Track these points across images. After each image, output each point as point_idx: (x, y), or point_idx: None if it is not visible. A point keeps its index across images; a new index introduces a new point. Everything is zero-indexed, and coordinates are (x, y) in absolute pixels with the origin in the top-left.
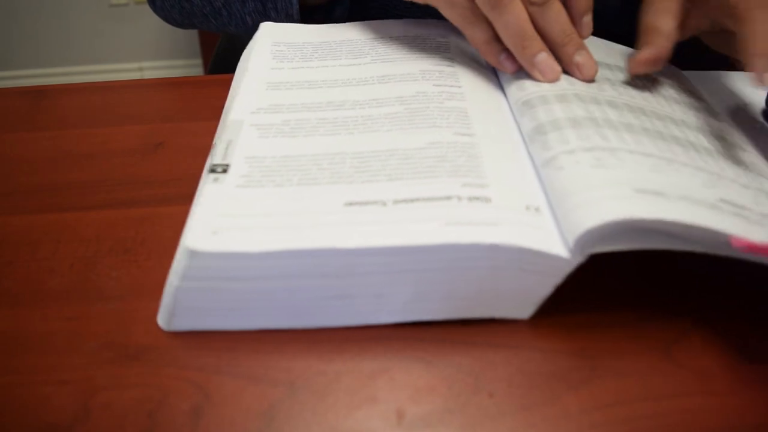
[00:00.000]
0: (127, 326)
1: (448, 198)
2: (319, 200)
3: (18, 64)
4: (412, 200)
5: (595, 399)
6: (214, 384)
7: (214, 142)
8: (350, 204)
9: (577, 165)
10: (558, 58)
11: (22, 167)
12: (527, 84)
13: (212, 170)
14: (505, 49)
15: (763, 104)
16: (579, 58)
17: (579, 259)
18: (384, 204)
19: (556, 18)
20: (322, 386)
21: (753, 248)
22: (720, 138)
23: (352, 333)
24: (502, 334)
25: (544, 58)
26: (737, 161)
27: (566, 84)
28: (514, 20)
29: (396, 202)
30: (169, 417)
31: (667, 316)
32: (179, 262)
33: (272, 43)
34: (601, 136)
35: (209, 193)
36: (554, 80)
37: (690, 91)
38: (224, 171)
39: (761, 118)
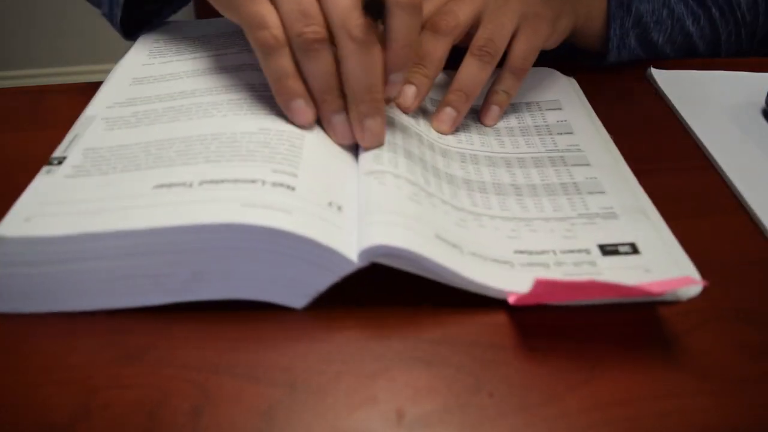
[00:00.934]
0: (128, 326)
1: (253, 181)
2: (131, 184)
3: (18, 64)
4: (218, 181)
5: (594, 399)
6: (214, 384)
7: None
8: (159, 186)
9: (398, 190)
10: (349, 110)
11: (22, 167)
12: None
13: (49, 162)
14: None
15: (763, 104)
16: (369, 122)
17: (363, 264)
18: (190, 185)
19: (363, 69)
20: (322, 386)
21: (520, 300)
22: (560, 161)
23: (352, 333)
24: (502, 334)
25: (341, 120)
26: (566, 188)
27: (413, 120)
28: (322, 70)
29: (202, 183)
30: (169, 417)
31: (667, 317)
32: None
33: (153, 41)
34: (425, 179)
35: (37, 185)
36: (348, 143)
37: (548, 106)
38: (59, 163)
39: (761, 118)
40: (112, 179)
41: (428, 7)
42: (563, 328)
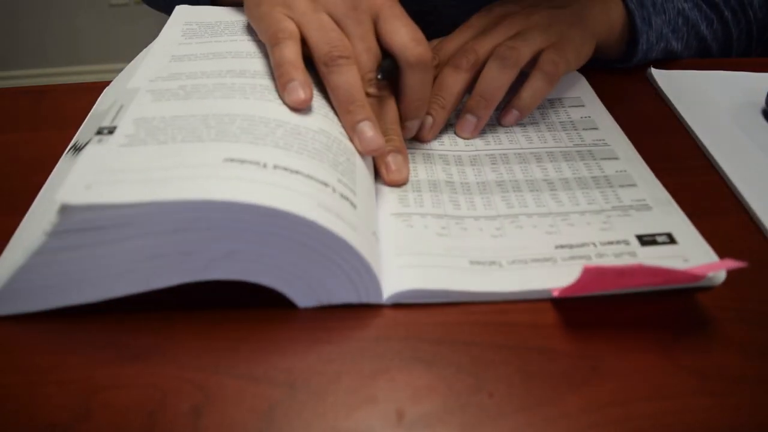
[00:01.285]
0: (128, 326)
1: (325, 184)
2: (198, 155)
3: (18, 64)
4: (293, 171)
5: (595, 399)
6: (214, 384)
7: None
8: (229, 160)
9: (426, 229)
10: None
11: (23, 167)
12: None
13: (98, 132)
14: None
15: (763, 104)
16: (390, 159)
17: (389, 304)
18: (264, 166)
19: (382, 114)
20: (322, 386)
21: (566, 292)
22: (589, 156)
23: (352, 333)
24: (502, 334)
25: (368, 127)
26: (598, 181)
27: (435, 141)
28: (345, 81)
29: (276, 167)
30: (169, 417)
31: (667, 316)
32: (33, 236)
33: (184, 23)
34: (454, 203)
35: (90, 153)
36: (375, 153)
37: (571, 102)
38: (110, 132)
39: (761, 118)
40: (174, 149)
41: (453, 45)
42: (563, 328)
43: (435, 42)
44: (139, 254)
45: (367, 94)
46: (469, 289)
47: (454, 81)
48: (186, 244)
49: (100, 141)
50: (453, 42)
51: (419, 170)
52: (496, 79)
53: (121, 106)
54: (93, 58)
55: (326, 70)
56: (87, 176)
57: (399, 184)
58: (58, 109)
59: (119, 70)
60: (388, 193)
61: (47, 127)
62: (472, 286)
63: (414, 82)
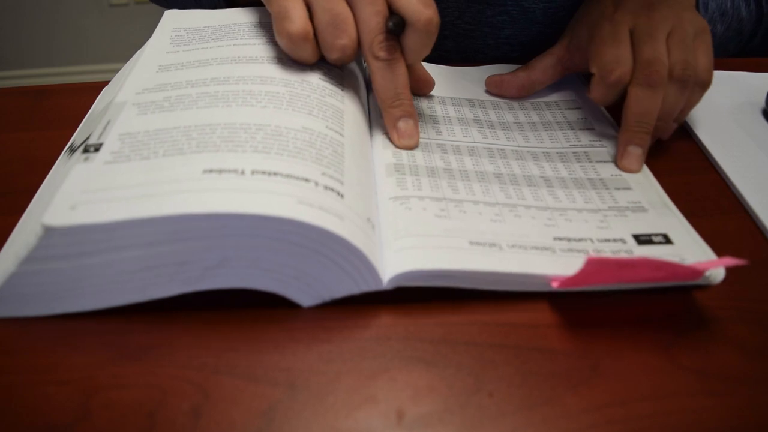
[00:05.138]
0: (128, 326)
1: (306, 180)
2: (177, 168)
3: (18, 64)
4: (270, 173)
5: (595, 399)
6: (214, 384)
7: (77, 133)
8: (209, 171)
9: (424, 211)
10: (383, 117)
11: (22, 167)
12: None
13: (85, 150)
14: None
15: (763, 104)
16: (401, 123)
17: (390, 288)
18: (242, 173)
19: (388, 82)
20: (322, 386)
21: (564, 283)
22: (585, 157)
23: (352, 333)
24: (502, 334)
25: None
26: (594, 183)
27: (433, 131)
28: (399, 76)
29: (254, 172)
30: (169, 417)
31: (667, 316)
32: (23, 243)
33: (173, 29)
34: (452, 188)
35: (76, 173)
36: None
37: (567, 105)
38: (96, 150)
39: (761, 118)
40: (156, 164)
41: (633, 56)
42: (563, 328)
43: (596, 54)
44: (132, 265)
45: (377, 58)
46: (469, 268)
47: (654, 103)
48: (178, 254)
49: (86, 159)
50: (647, 48)
51: (417, 156)
52: (649, 104)
53: (109, 122)
54: (93, 58)
55: (376, 62)
56: (72, 197)
57: (410, 148)
58: (58, 109)
59: (119, 71)
60: (386, 178)
61: (47, 127)
62: (471, 265)
63: (417, 45)
